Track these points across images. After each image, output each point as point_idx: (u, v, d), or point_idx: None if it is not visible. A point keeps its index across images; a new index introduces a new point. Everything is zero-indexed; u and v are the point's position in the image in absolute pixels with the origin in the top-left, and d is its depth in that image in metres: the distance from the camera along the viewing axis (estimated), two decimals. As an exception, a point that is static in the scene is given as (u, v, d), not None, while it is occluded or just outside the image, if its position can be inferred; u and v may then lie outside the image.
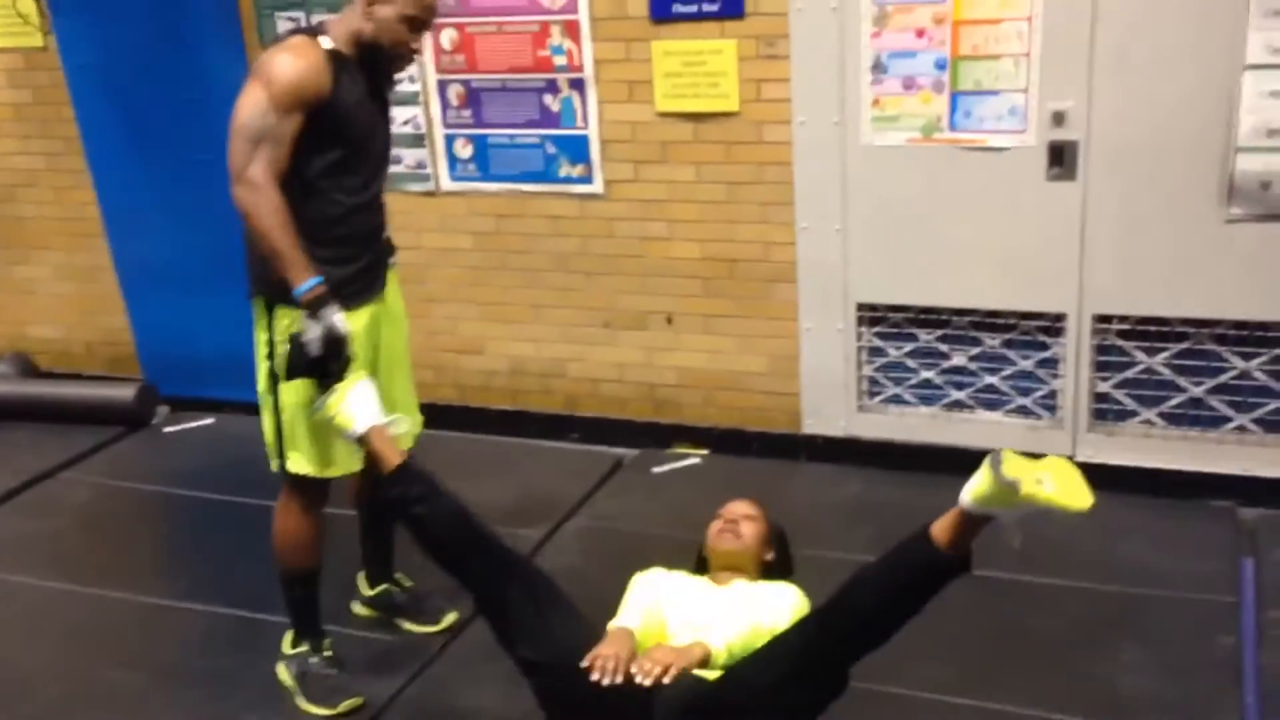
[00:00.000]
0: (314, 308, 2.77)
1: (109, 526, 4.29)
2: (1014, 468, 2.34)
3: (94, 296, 5.28)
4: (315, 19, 4.36)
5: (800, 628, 2.60)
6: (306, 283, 2.76)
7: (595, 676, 2.45)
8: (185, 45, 4.51)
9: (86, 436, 4.85)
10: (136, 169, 4.80)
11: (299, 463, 3.01)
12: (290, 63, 2.75)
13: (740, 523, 2.96)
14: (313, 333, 2.78)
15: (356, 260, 2.98)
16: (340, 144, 2.85)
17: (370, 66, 2.89)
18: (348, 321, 2.83)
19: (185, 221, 4.74)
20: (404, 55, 2.91)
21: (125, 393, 5.00)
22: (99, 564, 3.97)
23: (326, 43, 2.83)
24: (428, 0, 2.87)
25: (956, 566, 2.51)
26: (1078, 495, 2.36)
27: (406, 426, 2.93)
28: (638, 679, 2.44)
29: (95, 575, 3.86)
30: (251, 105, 2.74)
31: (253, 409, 4.71)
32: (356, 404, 2.81)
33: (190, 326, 4.96)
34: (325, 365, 2.82)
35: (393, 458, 2.77)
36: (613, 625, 2.65)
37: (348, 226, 2.93)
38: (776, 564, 3.02)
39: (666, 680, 2.45)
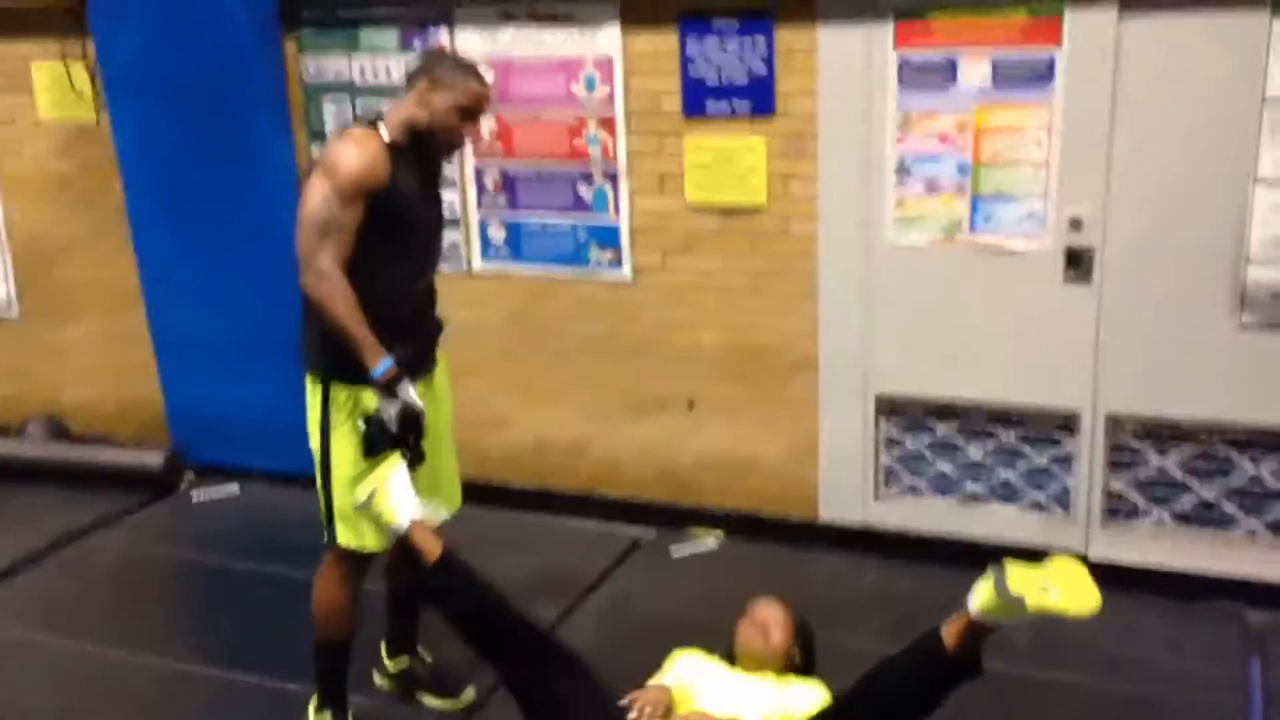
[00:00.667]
0: (390, 386, 2.91)
1: (134, 590, 4.36)
2: (1018, 582, 2.42)
3: (128, 363, 5.39)
4: (359, 102, 4.56)
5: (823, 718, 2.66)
6: (382, 364, 2.91)
7: (632, 716, 2.60)
8: (234, 125, 4.67)
9: (114, 502, 4.94)
10: (177, 241, 4.93)
11: (347, 535, 3.10)
12: (352, 154, 2.89)
13: (770, 629, 3.03)
14: (391, 410, 2.93)
15: (411, 341, 3.09)
16: (397, 231, 2.97)
17: (422, 154, 3.03)
18: (418, 397, 2.96)
19: (220, 294, 4.87)
20: (455, 144, 3.06)
21: (153, 459, 5.10)
22: (123, 627, 4.03)
23: (384, 133, 2.97)
24: (481, 92, 3.01)
25: (966, 669, 2.57)
26: (1084, 599, 2.44)
27: (445, 515, 3.02)
28: None
29: (119, 638, 3.93)
30: (318, 197, 2.88)
31: (278, 478, 4.82)
32: (396, 496, 2.88)
33: (220, 395, 5.06)
34: (404, 440, 2.96)
35: (433, 550, 2.85)
36: (651, 683, 2.77)
37: (403, 309, 3.06)
38: (802, 662, 3.10)
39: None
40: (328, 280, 2.88)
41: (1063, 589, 2.43)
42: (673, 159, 4.26)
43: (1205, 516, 3.94)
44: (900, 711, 2.62)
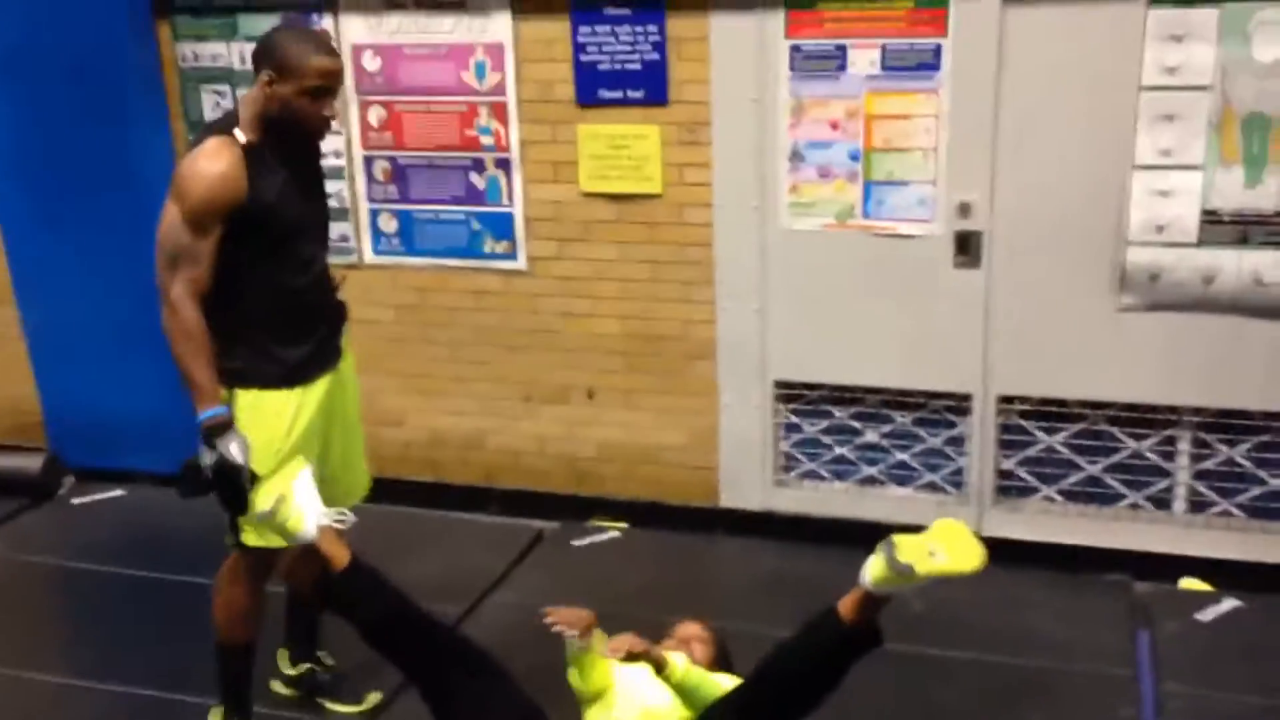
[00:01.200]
0: (212, 436, 2.81)
1: (15, 602, 4.17)
2: (907, 552, 2.52)
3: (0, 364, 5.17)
4: (240, 91, 4.41)
5: (727, 702, 2.67)
6: (208, 410, 2.81)
7: (550, 622, 2.66)
8: (107, 115, 4.48)
9: (-10, 508, 4.74)
10: (49, 236, 4.73)
11: (253, 536, 3.00)
12: (200, 178, 2.76)
13: (692, 644, 3.03)
14: (207, 460, 2.82)
15: (309, 338, 3.01)
16: (268, 236, 2.87)
17: (285, 145, 2.88)
18: (245, 450, 2.82)
19: (98, 291, 4.69)
20: (316, 126, 2.89)
21: (31, 463, 4.90)
22: (5, 641, 3.86)
23: (241, 136, 2.83)
24: (327, 66, 2.82)
25: (866, 640, 2.64)
26: (969, 556, 2.54)
27: (352, 519, 2.89)
28: (606, 654, 2.69)
29: (1, 653, 3.76)
30: (168, 225, 2.78)
31: (164, 480, 4.65)
32: (303, 503, 2.79)
33: (99, 395, 4.88)
34: (220, 491, 2.85)
35: (341, 556, 2.77)
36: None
37: (295, 307, 2.96)
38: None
39: (626, 658, 2.70)
40: (174, 313, 2.79)
41: (948, 550, 2.53)
42: (567, 147, 4.22)
43: (1091, 492, 4.07)
44: (805, 690, 2.66)
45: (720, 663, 3.10)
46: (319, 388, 3.03)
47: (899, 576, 2.52)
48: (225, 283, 2.83)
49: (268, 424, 2.90)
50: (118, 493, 4.90)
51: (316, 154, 3.08)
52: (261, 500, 2.78)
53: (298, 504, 2.77)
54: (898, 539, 2.56)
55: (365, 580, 2.78)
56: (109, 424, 4.89)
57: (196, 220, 2.76)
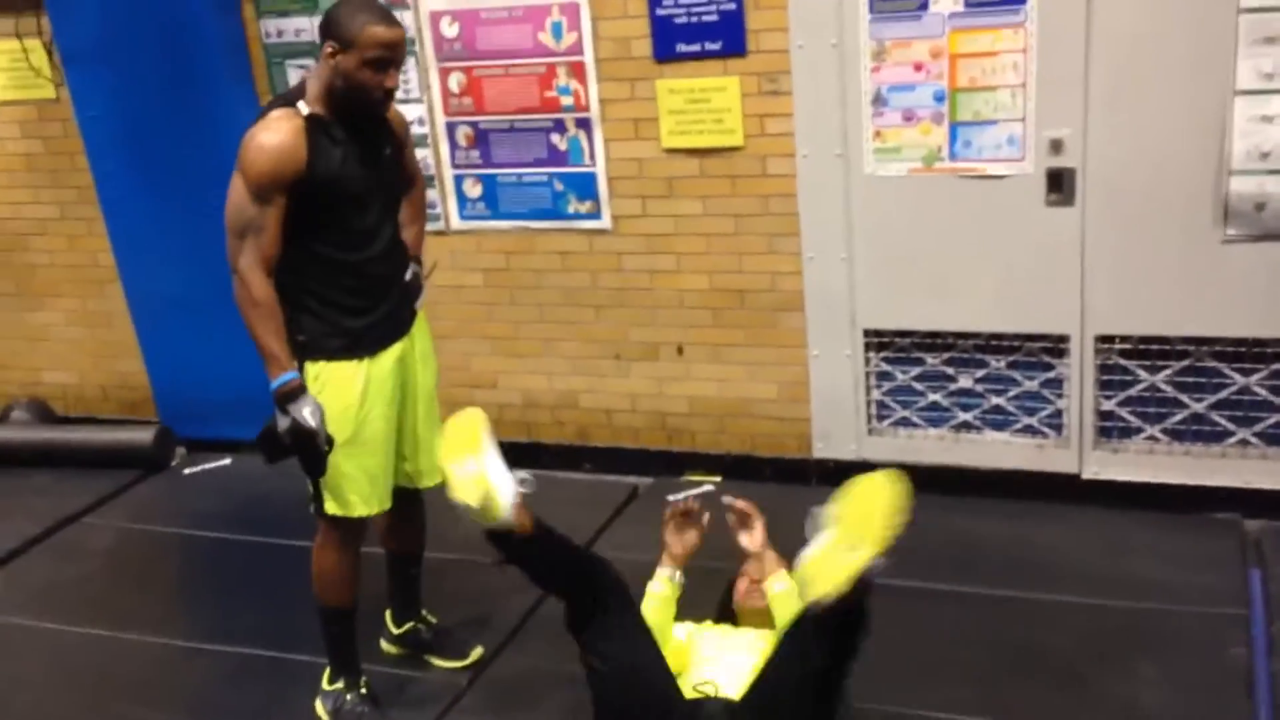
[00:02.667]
0: (284, 402, 2.86)
1: (133, 570, 4.35)
2: (816, 585, 2.45)
3: (108, 341, 5.35)
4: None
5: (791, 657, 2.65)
6: (280, 378, 2.87)
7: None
8: (196, 93, 4.59)
9: (106, 481, 4.92)
10: (150, 215, 4.88)
11: (333, 504, 3.09)
12: (261, 149, 2.81)
13: (757, 567, 3.05)
14: (282, 425, 2.88)
15: (374, 310, 3.05)
16: (331, 208, 2.91)
17: (350, 116, 2.91)
18: (319, 414, 2.87)
19: (197, 266, 4.78)
20: (378, 99, 2.90)
21: (143, 436, 5.07)
22: (124, 608, 4.02)
23: (304, 108, 2.87)
24: (388, 36, 2.83)
25: (851, 618, 2.57)
26: (881, 517, 2.52)
27: (534, 485, 2.81)
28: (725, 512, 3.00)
29: (121, 619, 3.92)
30: (233, 197, 2.84)
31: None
32: (499, 486, 2.69)
33: (204, 369, 5.02)
34: (299, 455, 2.92)
35: (526, 523, 2.77)
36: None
37: (359, 279, 3.01)
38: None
39: (745, 520, 3.03)
40: (244, 284, 2.86)
41: (862, 530, 2.47)
42: (646, 103, 4.20)
43: (1197, 431, 3.96)
44: (813, 685, 2.62)
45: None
46: (388, 358, 3.07)
47: (476, 513, 2.62)
48: (289, 254, 2.89)
49: (339, 395, 2.96)
50: (225, 461, 5.05)
51: (384, 126, 3.07)
52: (462, 493, 2.64)
53: (496, 493, 2.67)
54: (807, 571, 2.48)
55: (545, 543, 2.81)
56: (214, 396, 5.03)
57: (259, 191, 2.81)
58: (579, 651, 2.79)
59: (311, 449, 2.90)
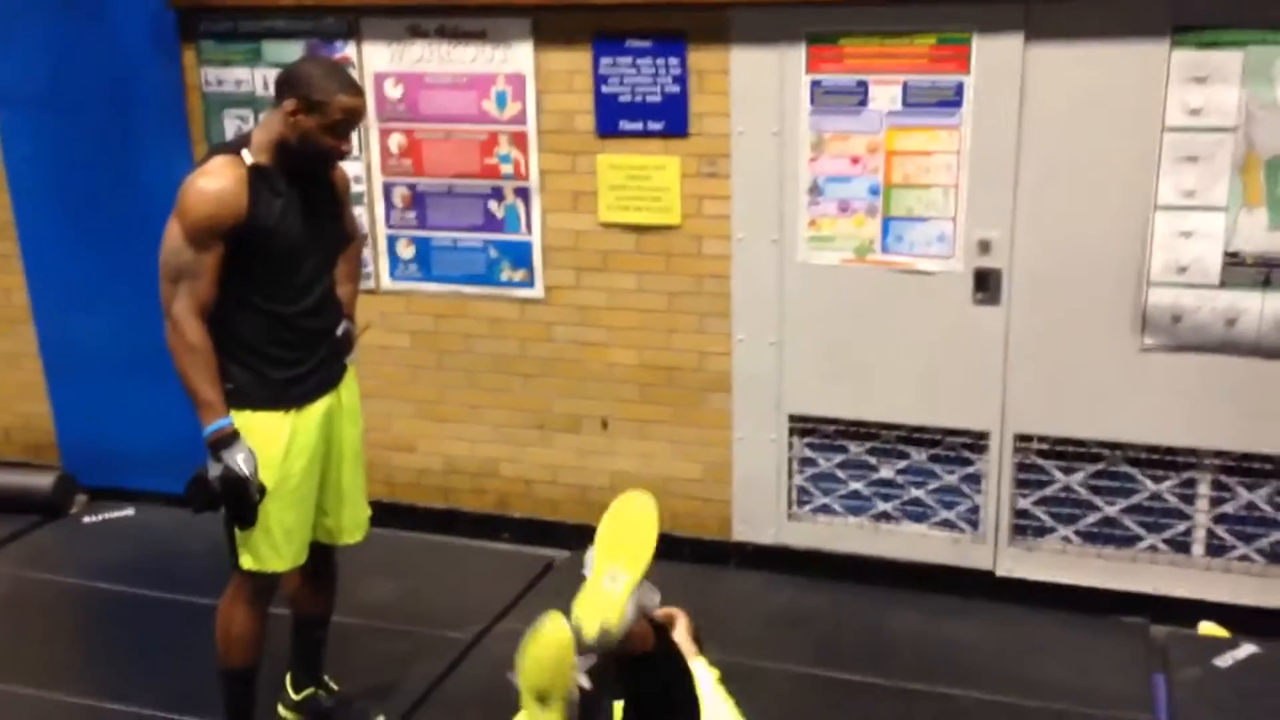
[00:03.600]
0: (217, 448, 2.83)
1: (26, 620, 4.17)
2: (587, 621, 2.33)
3: (14, 383, 5.18)
4: (263, 116, 4.43)
5: None
6: (214, 424, 2.84)
7: None
8: (130, 139, 4.53)
9: (2, 525, 4.73)
10: (70, 258, 4.77)
11: (249, 559, 3.01)
12: (202, 194, 2.79)
13: (676, 619, 3.00)
14: (214, 473, 2.84)
15: (303, 363, 3.01)
16: (266, 259, 2.88)
17: (294, 170, 2.91)
18: (252, 461, 2.84)
19: (114, 312, 4.71)
20: (329, 160, 2.94)
21: (43, 481, 4.90)
22: (16, 660, 3.85)
23: (248, 157, 2.86)
24: (353, 105, 2.87)
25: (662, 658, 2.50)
26: (642, 539, 2.43)
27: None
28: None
29: (11, 671, 3.76)
30: (170, 242, 2.81)
31: (173, 500, 4.66)
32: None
33: (112, 416, 4.90)
34: (228, 504, 2.87)
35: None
36: None
37: (291, 332, 2.97)
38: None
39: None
40: (177, 329, 2.83)
41: (624, 557, 2.39)
42: (586, 177, 4.23)
43: (1109, 534, 4.02)
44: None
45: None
46: (315, 411, 3.03)
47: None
48: (221, 302, 2.86)
49: (263, 445, 2.90)
50: (128, 512, 4.90)
51: (330, 181, 3.09)
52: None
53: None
54: (575, 616, 2.33)
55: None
56: (121, 444, 4.90)
57: (196, 236, 2.78)
58: None
59: (243, 497, 2.85)
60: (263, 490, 2.88)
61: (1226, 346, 3.70)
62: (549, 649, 2.33)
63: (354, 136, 3.95)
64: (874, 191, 3.94)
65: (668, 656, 2.57)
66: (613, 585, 2.34)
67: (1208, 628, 3.86)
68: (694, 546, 4.42)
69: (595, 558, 2.42)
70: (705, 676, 2.93)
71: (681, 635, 2.95)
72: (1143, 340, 3.78)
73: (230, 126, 4.52)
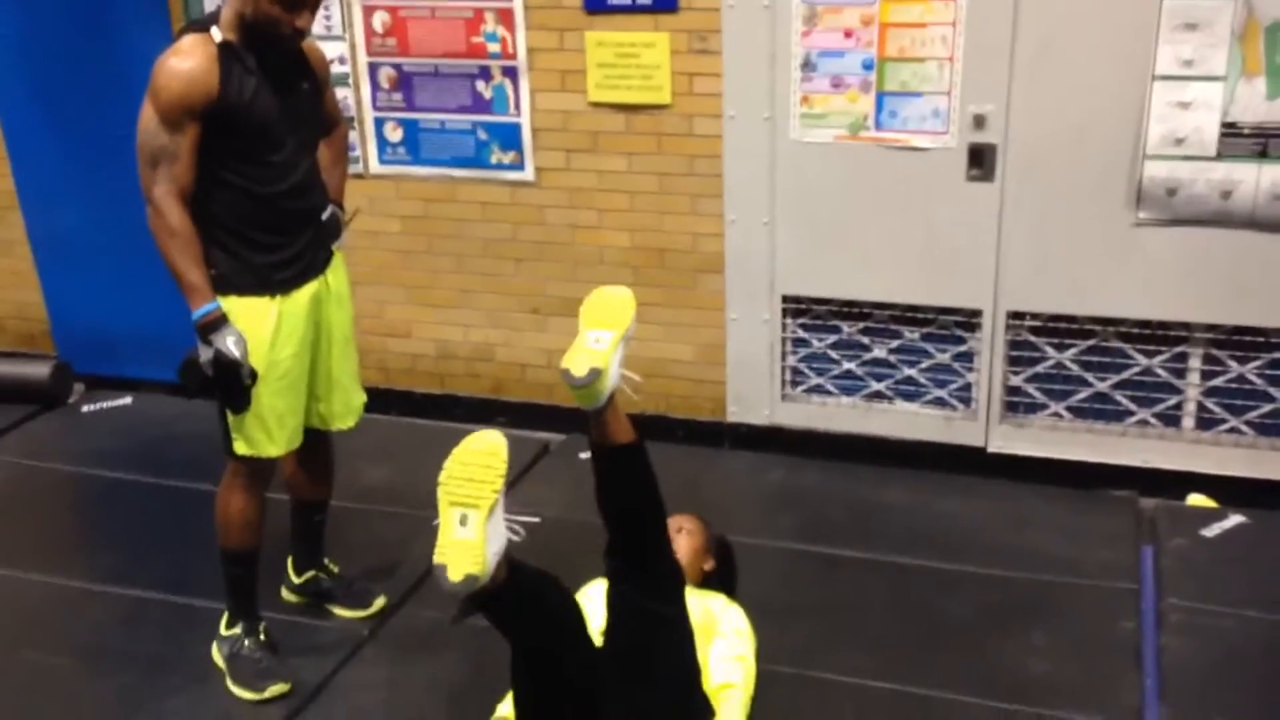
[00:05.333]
0: (206, 333, 2.82)
1: (25, 508, 4.21)
2: (573, 362, 2.54)
3: (6, 271, 5.16)
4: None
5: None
6: (202, 308, 2.82)
7: None
8: (107, 19, 4.42)
9: (0, 415, 4.75)
10: (54, 144, 4.70)
11: (242, 444, 3.02)
12: (173, 74, 2.74)
13: (676, 537, 3.05)
14: (204, 356, 2.83)
15: (287, 247, 2.98)
16: (243, 138, 2.83)
17: (263, 49, 2.84)
18: (243, 344, 2.83)
19: (102, 196, 4.65)
20: (285, 35, 2.83)
21: (40, 370, 4.91)
22: (16, 546, 3.90)
23: (217, 34, 2.80)
24: None
25: (630, 448, 2.68)
26: (622, 309, 2.67)
27: (637, 381, 2.73)
28: None
29: (14, 558, 3.81)
30: (145, 124, 2.77)
31: (170, 388, 4.69)
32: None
33: (106, 304, 4.89)
34: (222, 388, 2.88)
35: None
36: None
37: (272, 214, 2.94)
38: (718, 574, 3.16)
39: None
40: (159, 213, 2.79)
41: (605, 321, 2.61)
42: (574, 55, 4.14)
43: (1099, 409, 4.05)
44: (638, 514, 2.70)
45: (711, 553, 3.17)
46: (301, 296, 3.02)
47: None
48: (201, 185, 2.83)
49: (250, 331, 2.89)
50: (126, 400, 4.92)
51: (306, 61, 3.01)
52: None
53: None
54: (564, 360, 2.56)
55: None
56: (116, 332, 4.90)
57: (170, 118, 2.74)
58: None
59: (234, 380, 2.85)
60: (254, 374, 2.88)
61: (1221, 219, 3.67)
62: (480, 450, 2.34)
63: (325, 9, 3.85)
64: (867, 66, 3.87)
65: (645, 462, 2.70)
66: (598, 343, 2.52)
67: (1196, 499, 3.91)
68: (688, 428, 4.45)
69: (580, 328, 2.62)
70: (734, 613, 3.00)
71: (686, 555, 3.03)
72: (1136, 214, 3.75)
73: (210, 5, 4.41)
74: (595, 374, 2.52)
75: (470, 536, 2.24)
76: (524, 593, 2.43)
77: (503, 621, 2.47)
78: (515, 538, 2.50)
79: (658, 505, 2.73)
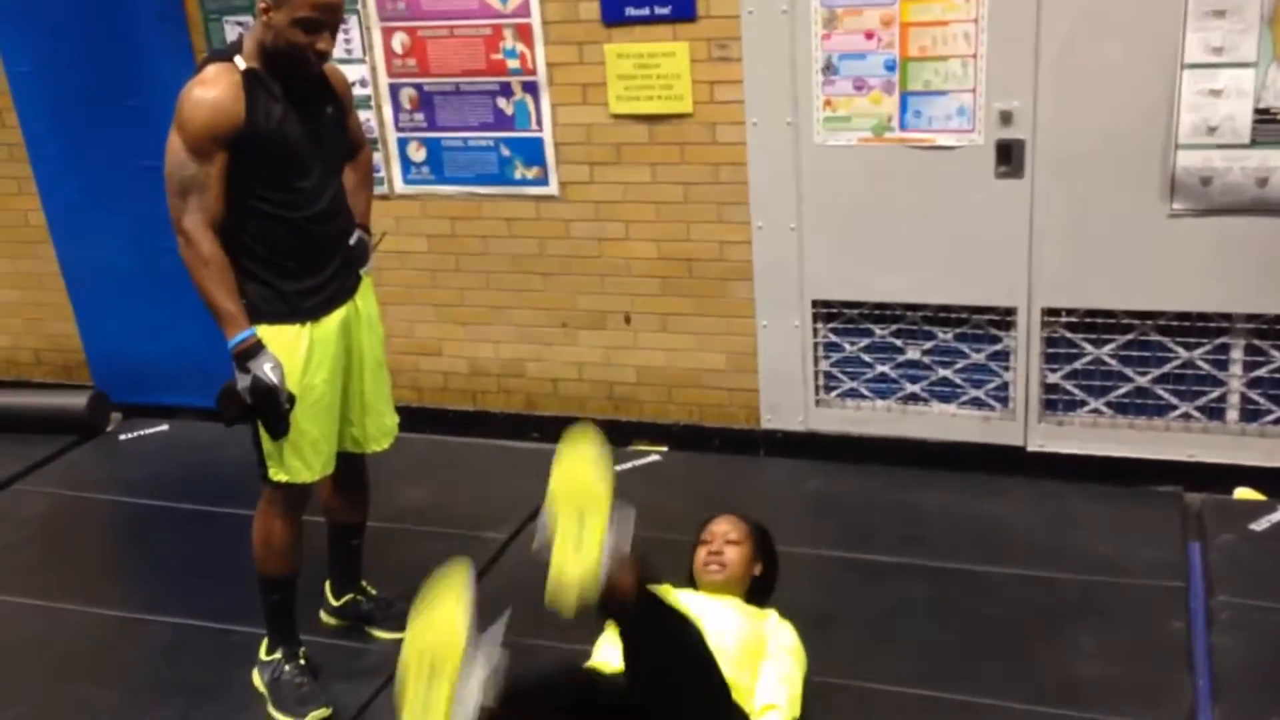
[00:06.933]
0: (243, 360, 2.82)
1: (68, 538, 4.24)
2: (564, 575, 2.25)
3: (41, 304, 5.21)
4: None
5: None
6: (237, 336, 2.82)
7: None
8: (130, 51, 4.45)
9: (39, 447, 4.78)
10: (81, 174, 4.74)
11: (277, 470, 3.03)
12: (199, 103, 2.75)
13: (724, 551, 3.03)
14: (242, 384, 2.84)
15: (317, 273, 2.98)
16: (270, 164, 2.84)
17: (286, 74, 2.85)
18: (279, 370, 2.83)
19: (132, 226, 4.69)
20: (306, 59, 2.82)
21: (77, 401, 4.94)
22: (59, 577, 3.92)
23: (241, 63, 2.81)
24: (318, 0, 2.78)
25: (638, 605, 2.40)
26: (589, 474, 2.34)
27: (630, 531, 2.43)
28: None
29: (57, 589, 3.82)
30: (172, 155, 2.77)
31: (206, 414, 4.72)
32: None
33: (140, 332, 4.92)
34: (261, 415, 2.89)
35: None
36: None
37: (300, 240, 2.94)
38: (765, 574, 3.13)
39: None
40: (190, 244, 2.79)
41: (575, 502, 2.30)
42: (594, 68, 4.13)
43: (1140, 404, 3.98)
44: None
45: (759, 556, 3.11)
46: (331, 322, 3.01)
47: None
48: (230, 214, 2.83)
49: (282, 358, 2.89)
50: (163, 428, 4.95)
51: (329, 86, 3.02)
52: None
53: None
54: (552, 587, 2.24)
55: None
56: (151, 360, 4.93)
57: (197, 147, 2.75)
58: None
59: (273, 406, 2.86)
60: (292, 399, 2.89)
61: (1258, 207, 3.60)
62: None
63: (345, 32, 3.86)
64: (890, 67, 3.83)
65: (651, 609, 2.44)
66: (580, 544, 2.25)
67: (1244, 493, 3.83)
68: (723, 436, 4.43)
69: (555, 510, 2.32)
70: (784, 632, 2.96)
71: (738, 568, 3.00)
72: (1171, 205, 3.69)
73: (231, 34, 4.44)
74: (585, 586, 2.24)
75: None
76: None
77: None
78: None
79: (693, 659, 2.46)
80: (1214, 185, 3.62)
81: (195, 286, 2.83)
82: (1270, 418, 3.86)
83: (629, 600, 2.35)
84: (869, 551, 3.71)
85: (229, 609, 3.54)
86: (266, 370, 2.82)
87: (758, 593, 3.08)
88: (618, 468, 4.40)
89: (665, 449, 4.46)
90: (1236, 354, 3.84)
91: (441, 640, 2.21)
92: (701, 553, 3.09)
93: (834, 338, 4.25)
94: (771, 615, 3.01)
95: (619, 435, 4.51)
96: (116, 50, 4.46)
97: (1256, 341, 3.81)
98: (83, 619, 3.67)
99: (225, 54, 2.86)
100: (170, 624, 3.59)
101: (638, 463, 4.38)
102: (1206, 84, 3.55)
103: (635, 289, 4.38)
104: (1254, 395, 3.87)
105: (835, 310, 4.20)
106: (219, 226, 2.82)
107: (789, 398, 4.31)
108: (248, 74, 2.80)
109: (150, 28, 4.43)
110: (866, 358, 4.23)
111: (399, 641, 3.35)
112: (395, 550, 3.81)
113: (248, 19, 4.40)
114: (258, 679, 3.23)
